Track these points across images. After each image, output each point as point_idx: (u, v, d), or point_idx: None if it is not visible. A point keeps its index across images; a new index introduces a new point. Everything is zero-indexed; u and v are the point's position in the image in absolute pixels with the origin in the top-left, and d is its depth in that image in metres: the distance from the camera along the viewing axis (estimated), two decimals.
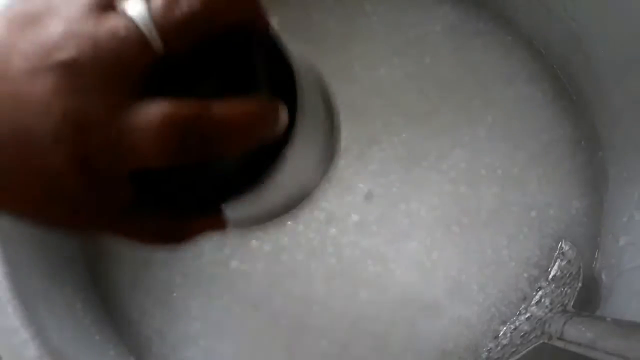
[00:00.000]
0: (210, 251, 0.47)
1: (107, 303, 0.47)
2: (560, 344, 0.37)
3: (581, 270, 0.42)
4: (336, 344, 0.45)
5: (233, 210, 0.22)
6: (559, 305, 0.42)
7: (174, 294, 0.47)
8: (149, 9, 0.18)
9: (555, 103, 0.48)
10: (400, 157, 0.48)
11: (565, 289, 0.43)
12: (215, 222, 0.23)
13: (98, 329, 0.44)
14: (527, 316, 0.44)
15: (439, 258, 0.46)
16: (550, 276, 0.45)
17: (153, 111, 0.18)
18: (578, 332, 0.36)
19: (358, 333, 0.45)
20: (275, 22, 0.52)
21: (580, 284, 0.42)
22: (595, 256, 0.46)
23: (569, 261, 0.44)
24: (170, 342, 0.46)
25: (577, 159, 0.47)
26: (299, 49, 0.50)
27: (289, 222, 0.48)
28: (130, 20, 0.18)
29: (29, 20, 0.18)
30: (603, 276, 0.44)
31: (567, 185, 0.47)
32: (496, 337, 0.44)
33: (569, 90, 0.48)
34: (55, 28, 0.17)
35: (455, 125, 0.48)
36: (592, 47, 0.44)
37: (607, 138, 0.45)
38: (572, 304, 0.41)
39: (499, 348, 0.44)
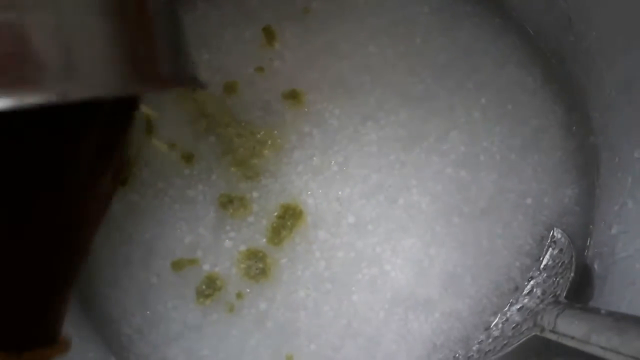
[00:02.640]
0: (181, 252, 0.46)
1: (86, 303, 0.46)
2: (553, 336, 0.37)
3: (573, 259, 0.42)
4: (326, 347, 0.45)
5: None
6: (550, 296, 0.41)
7: (151, 295, 0.46)
8: None
9: (546, 88, 0.47)
10: (399, 137, 0.47)
11: (557, 278, 0.42)
12: None
13: (77, 329, 0.43)
14: (518, 307, 0.44)
15: (436, 253, 0.45)
16: (542, 265, 0.44)
17: None
18: (571, 325, 0.35)
19: (349, 335, 0.45)
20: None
21: (572, 274, 0.41)
22: (588, 244, 0.46)
23: (560, 250, 0.44)
24: (151, 342, 0.45)
25: (569, 144, 0.47)
26: (280, 26, 0.48)
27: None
28: None
29: None
30: (596, 265, 0.43)
31: (560, 171, 0.46)
32: (487, 328, 0.44)
33: (560, 74, 0.47)
34: None
35: (451, 106, 0.47)
36: (583, 30, 0.43)
37: (598, 123, 0.45)
38: (564, 294, 0.40)
39: (490, 340, 0.43)
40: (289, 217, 0.46)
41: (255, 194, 0.47)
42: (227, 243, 0.46)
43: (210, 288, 0.46)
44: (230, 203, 0.47)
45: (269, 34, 0.49)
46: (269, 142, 0.48)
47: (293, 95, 0.48)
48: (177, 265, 0.46)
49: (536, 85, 0.47)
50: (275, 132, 0.48)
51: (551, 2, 0.44)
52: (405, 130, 0.47)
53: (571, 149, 0.47)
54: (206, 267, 0.46)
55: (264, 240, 0.46)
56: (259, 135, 0.48)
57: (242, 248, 0.46)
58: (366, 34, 0.48)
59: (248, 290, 0.46)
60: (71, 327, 0.42)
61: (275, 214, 0.46)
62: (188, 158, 0.48)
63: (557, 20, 0.45)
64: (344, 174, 0.47)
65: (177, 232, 0.47)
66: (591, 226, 0.46)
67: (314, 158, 0.47)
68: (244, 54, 0.49)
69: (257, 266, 0.46)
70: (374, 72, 0.48)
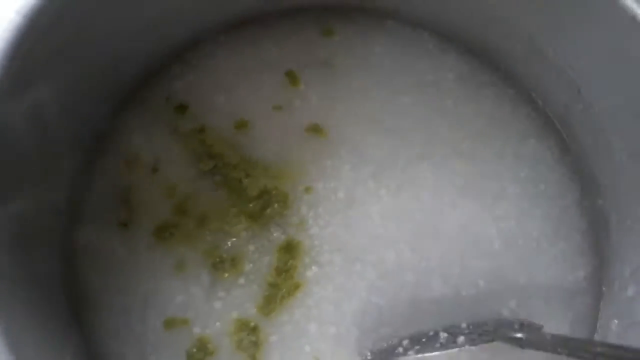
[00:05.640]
0: (173, 310, 0.45)
1: (92, 351, 0.43)
2: None
3: None
4: None
5: None
6: None
7: (148, 350, 0.44)
8: None
9: (562, 161, 0.50)
10: (455, 184, 0.48)
11: None
12: None
13: None
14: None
15: None
16: None
17: None
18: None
19: None
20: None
21: None
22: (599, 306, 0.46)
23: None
24: None
25: (583, 223, 0.49)
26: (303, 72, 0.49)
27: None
28: None
29: None
30: (613, 326, 0.44)
31: (577, 255, 0.48)
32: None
33: (568, 141, 0.50)
34: None
35: (498, 174, 0.49)
36: (592, 99, 0.46)
37: (607, 187, 0.47)
38: None
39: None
40: (283, 284, 0.45)
41: (251, 247, 0.46)
42: (217, 304, 0.45)
43: (201, 352, 0.44)
44: (221, 263, 0.45)
45: (293, 78, 0.50)
46: (282, 179, 0.47)
47: (315, 129, 0.49)
48: (169, 324, 0.44)
49: (554, 160, 0.50)
50: (290, 167, 0.48)
51: (561, 73, 0.47)
52: (462, 180, 0.48)
53: (584, 228, 0.49)
54: (197, 329, 0.44)
55: (255, 310, 0.45)
56: (271, 171, 0.47)
57: (234, 314, 0.44)
58: (397, 87, 0.50)
59: None
60: None
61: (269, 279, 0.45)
62: (186, 203, 0.47)
63: (565, 89, 0.47)
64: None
65: (169, 288, 0.45)
66: (604, 288, 0.47)
67: (339, 193, 0.47)
68: (262, 95, 0.49)
69: (250, 339, 0.44)
70: (413, 120, 0.49)
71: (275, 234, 0.46)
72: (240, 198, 0.47)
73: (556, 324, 0.45)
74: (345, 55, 0.51)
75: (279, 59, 0.50)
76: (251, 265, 0.45)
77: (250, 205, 0.46)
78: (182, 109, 0.49)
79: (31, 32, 0.34)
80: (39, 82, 0.37)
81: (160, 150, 0.48)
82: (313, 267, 0.45)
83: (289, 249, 0.46)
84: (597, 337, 0.45)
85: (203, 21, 0.50)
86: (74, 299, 0.44)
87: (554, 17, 0.44)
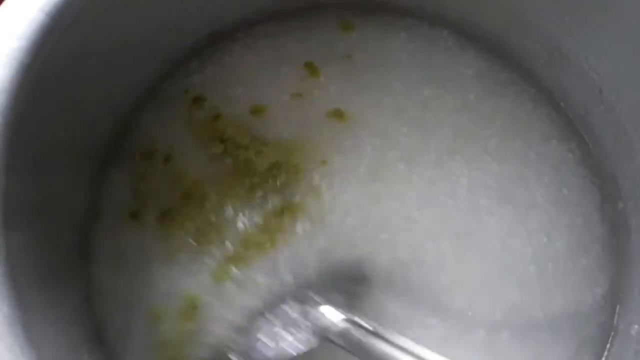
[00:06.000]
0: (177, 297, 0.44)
1: (105, 348, 0.44)
2: None
3: None
4: None
5: None
6: None
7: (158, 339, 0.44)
8: None
9: (583, 164, 0.49)
10: (488, 186, 0.47)
11: None
12: None
13: None
14: None
15: None
16: None
17: None
18: None
19: None
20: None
21: None
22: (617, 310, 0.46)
23: None
24: None
25: (604, 230, 0.48)
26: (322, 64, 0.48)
27: None
28: None
29: None
30: (633, 332, 0.43)
31: (596, 270, 0.47)
32: None
33: (589, 143, 0.49)
34: None
35: (524, 178, 0.48)
36: (614, 100, 0.45)
37: (628, 190, 0.46)
38: None
39: None
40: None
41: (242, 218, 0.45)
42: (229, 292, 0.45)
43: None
44: (205, 236, 0.45)
45: (312, 69, 0.50)
46: (295, 153, 0.47)
47: (337, 114, 0.49)
48: (177, 313, 0.44)
49: (575, 162, 0.49)
50: (306, 144, 0.48)
51: (582, 74, 0.46)
52: (497, 183, 0.48)
53: (605, 235, 0.47)
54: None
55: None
56: (284, 147, 0.47)
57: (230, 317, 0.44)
58: (417, 80, 0.49)
59: None
60: None
61: None
62: (194, 188, 0.47)
63: (586, 90, 0.47)
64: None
65: (174, 273, 0.45)
66: (620, 294, 0.46)
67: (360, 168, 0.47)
68: (281, 85, 0.49)
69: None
70: (437, 112, 0.49)
71: (271, 204, 0.46)
72: (248, 175, 0.46)
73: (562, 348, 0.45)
74: (364, 50, 0.50)
75: (297, 53, 0.50)
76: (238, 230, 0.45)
77: (256, 179, 0.46)
78: (199, 100, 0.49)
79: (55, 30, 0.34)
80: (61, 81, 0.37)
81: (175, 141, 0.48)
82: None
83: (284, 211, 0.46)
84: (616, 342, 0.45)
85: (221, 19, 0.50)
86: (89, 295, 0.44)
87: (576, 17, 0.43)
